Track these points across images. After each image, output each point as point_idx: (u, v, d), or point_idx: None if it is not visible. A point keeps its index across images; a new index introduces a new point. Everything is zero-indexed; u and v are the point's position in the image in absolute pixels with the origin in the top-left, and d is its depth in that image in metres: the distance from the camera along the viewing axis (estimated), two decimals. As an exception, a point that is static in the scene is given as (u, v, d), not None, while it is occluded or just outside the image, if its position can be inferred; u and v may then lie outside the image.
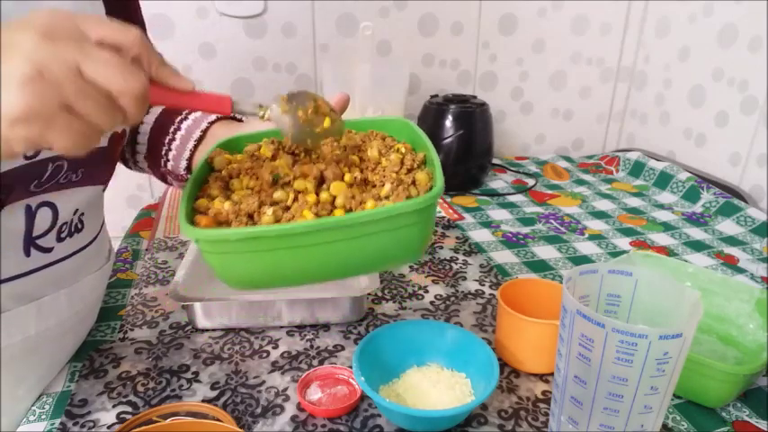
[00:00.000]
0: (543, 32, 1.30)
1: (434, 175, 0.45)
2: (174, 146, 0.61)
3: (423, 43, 1.25)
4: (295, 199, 0.43)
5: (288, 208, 0.43)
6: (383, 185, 0.45)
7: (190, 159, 0.60)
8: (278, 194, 0.43)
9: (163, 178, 0.65)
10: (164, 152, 0.61)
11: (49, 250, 0.50)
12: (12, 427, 0.54)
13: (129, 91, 0.32)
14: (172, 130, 0.61)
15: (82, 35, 0.32)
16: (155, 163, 0.63)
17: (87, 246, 0.55)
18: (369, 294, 0.66)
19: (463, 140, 1.07)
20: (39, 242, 0.48)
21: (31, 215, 0.47)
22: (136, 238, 0.89)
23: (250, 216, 0.42)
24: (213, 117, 0.60)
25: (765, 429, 0.53)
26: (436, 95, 1.13)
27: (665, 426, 0.53)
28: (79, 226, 0.53)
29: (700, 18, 1.16)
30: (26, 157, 0.43)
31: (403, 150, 0.50)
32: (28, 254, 0.48)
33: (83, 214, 0.53)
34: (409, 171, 0.47)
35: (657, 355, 0.39)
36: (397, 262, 0.46)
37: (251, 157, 0.49)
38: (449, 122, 1.06)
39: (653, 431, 0.43)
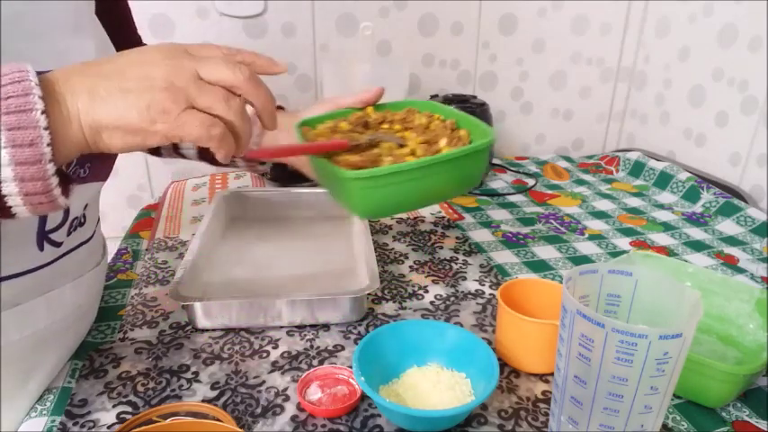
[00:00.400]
0: (543, 32, 1.30)
1: (479, 126, 0.61)
2: None
3: (423, 43, 1.25)
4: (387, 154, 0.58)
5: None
6: (437, 142, 0.60)
7: (257, 142, 0.70)
8: (380, 149, 0.59)
9: (213, 161, 0.73)
10: None
11: (59, 244, 0.52)
12: (18, 422, 0.54)
13: (241, 80, 0.40)
14: None
15: (192, 54, 0.40)
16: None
17: (88, 240, 0.58)
18: (369, 294, 0.66)
19: (463, 140, 1.07)
20: (51, 236, 0.50)
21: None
22: (136, 238, 0.89)
23: (374, 162, 0.56)
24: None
25: (765, 429, 0.53)
26: (436, 95, 1.13)
27: (665, 426, 0.53)
28: (82, 220, 0.56)
29: (700, 18, 1.16)
30: None
31: (440, 117, 0.66)
32: (41, 248, 0.50)
33: (85, 209, 0.56)
34: (452, 130, 0.63)
35: (657, 355, 0.39)
36: (469, 187, 0.61)
37: (332, 131, 0.63)
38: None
39: (653, 431, 0.43)
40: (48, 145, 0.35)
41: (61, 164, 0.37)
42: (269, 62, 0.45)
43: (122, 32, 0.71)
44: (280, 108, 0.72)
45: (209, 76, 0.40)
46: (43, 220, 0.49)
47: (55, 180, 0.36)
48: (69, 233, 0.53)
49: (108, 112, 0.37)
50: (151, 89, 0.37)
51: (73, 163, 0.49)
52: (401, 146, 0.60)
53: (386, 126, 0.66)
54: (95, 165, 0.52)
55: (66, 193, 0.38)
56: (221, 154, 0.41)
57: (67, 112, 0.37)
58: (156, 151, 0.77)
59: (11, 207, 0.36)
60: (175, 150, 0.75)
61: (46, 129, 0.35)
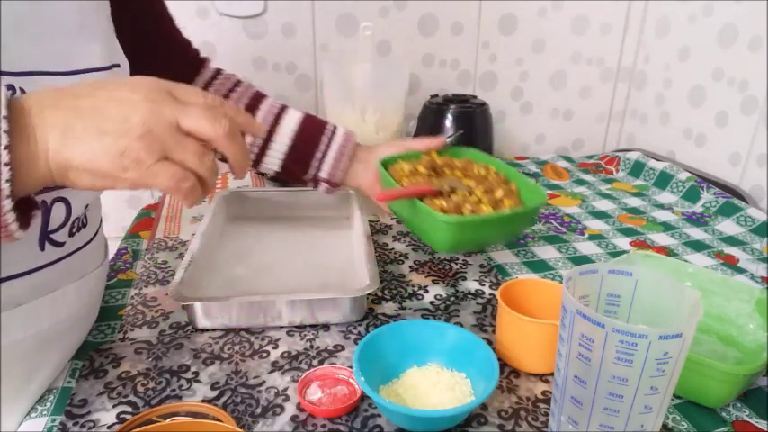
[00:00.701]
0: (543, 32, 1.30)
1: (526, 182, 0.76)
2: (328, 159, 0.79)
3: (423, 43, 1.25)
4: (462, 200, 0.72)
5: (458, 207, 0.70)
6: (493, 192, 0.73)
7: (345, 171, 0.80)
8: (457, 197, 0.72)
9: (294, 179, 0.81)
10: (316, 162, 0.79)
11: (61, 245, 0.52)
12: (18, 422, 0.54)
13: (219, 135, 0.39)
14: (323, 145, 0.79)
15: (176, 98, 0.39)
16: (300, 169, 0.80)
17: (91, 240, 0.58)
18: (369, 294, 0.66)
19: (463, 140, 1.06)
20: (53, 237, 0.51)
21: (47, 210, 0.48)
22: (136, 238, 0.89)
23: (457, 209, 0.69)
24: (356, 140, 0.81)
25: (765, 429, 0.53)
26: (436, 95, 1.13)
27: (665, 426, 0.53)
28: (84, 221, 0.56)
29: (700, 18, 1.16)
30: None
31: (494, 169, 0.79)
32: (42, 248, 0.50)
33: (87, 210, 0.56)
34: (505, 183, 0.76)
35: (657, 355, 0.39)
36: (518, 234, 0.77)
37: (412, 173, 0.76)
38: (449, 122, 1.07)
39: (653, 431, 0.43)
40: (7, 181, 0.34)
41: (21, 196, 0.36)
42: (248, 121, 0.43)
43: (156, 30, 0.74)
44: (284, 107, 0.79)
45: (188, 126, 0.38)
46: (46, 220, 0.49)
47: (12, 216, 0.35)
48: (72, 234, 0.53)
49: (80, 153, 0.36)
50: (127, 134, 0.36)
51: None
52: (470, 193, 0.73)
53: (448, 171, 0.79)
54: None
55: (25, 224, 0.37)
56: (187, 203, 0.40)
57: (35, 147, 0.36)
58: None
59: None
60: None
61: (7, 164, 0.34)
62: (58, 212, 0.50)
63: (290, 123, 0.79)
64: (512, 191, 0.74)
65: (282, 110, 0.79)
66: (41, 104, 0.36)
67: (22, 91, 0.44)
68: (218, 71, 0.80)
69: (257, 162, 0.80)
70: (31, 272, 0.49)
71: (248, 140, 0.76)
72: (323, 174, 0.80)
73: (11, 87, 0.43)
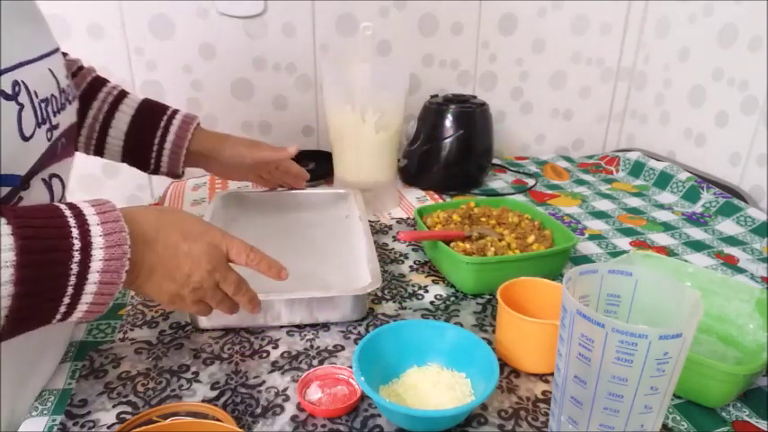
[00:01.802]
0: (543, 32, 1.30)
1: (562, 228, 0.80)
2: (164, 157, 0.78)
3: (423, 43, 1.25)
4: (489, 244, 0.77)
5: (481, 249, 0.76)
6: (524, 237, 0.79)
7: (187, 162, 0.80)
8: (482, 242, 0.77)
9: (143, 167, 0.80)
10: (153, 160, 0.78)
11: None
12: (24, 413, 0.54)
13: (241, 296, 0.56)
14: (159, 136, 0.77)
15: (225, 264, 0.55)
16: (142, 165, 0.79)
17: None
18: (369, 294, 0.66)
19: (463, 140, 1.07)
20: None
21: (48, 186, 0.54)
22: (136, 238, 0.89)
23: (480, 251, 0.75)
24: (193, 128, 0.79)
25: (765, 429, 0.53)
26: (436, 95, 1.13)
27: (665, 426, 0.53)
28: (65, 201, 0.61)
29: (700, 18, 1.16)
30: (48, 139, 0.51)
31: (528, 217, 0.86)
32: None
33: (64, 189, 0.60)
34: (539, 230, 0.82)
35: (657, 355, 0.39)
36: (556, 270, 0.77)
37: (446, 221, 0.84)
38: (449, 122, 1.06)
39: (653, 431, 0.43)
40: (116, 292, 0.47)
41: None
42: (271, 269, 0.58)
43: None
44: (118, 101, 0.76)
45: (225, 288, 0.55)
46: (51, 194, 0.54)
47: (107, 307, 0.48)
48: None
49: (150, 289, 0.51)
50: (186, 285, 0.52)
51: (63, 143, 0.55)
52: (500, 239, 0.78)
53: (484, 219, 0.85)
54: (69, 142, 0.57)
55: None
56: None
57: (129, 278, 0.48)
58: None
59: (72, 313, 0.46)
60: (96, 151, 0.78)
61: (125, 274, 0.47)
62: (56, 186, 0.55)
63: (126, 112, 0.76)
64: (544, 236, 0.79)
65: (119, 99, 0.75)
66: (144, 241, 0.49)
67: (24, 84, 0.46)
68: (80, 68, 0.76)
69: (99, 152, 0.77)
70: None
71: (86, 132, 0.74)
72: (163, 169, 0.79)
73: (16, 84, 0.46)
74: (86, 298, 0.45)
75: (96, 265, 0.44)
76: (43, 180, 0.53)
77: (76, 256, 0.43)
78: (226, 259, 0.54)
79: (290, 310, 0.64)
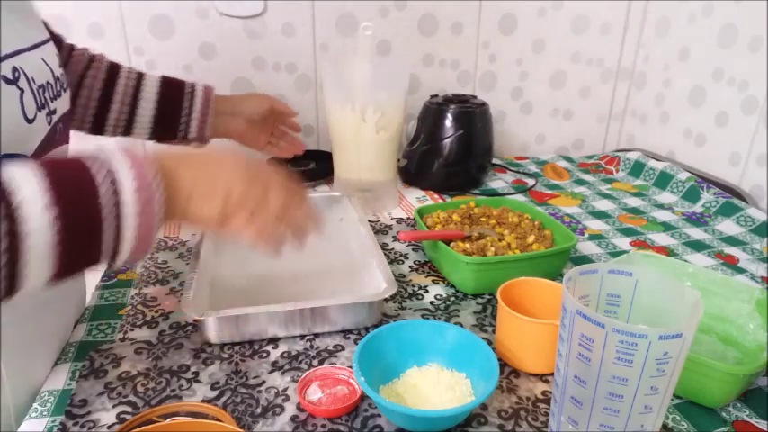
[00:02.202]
0: (543, 32, 1.30)
1: (562, 229, 0.79)
2: (193, 120, 0.81)
3: (423, 43, 1.25)
4: (489, 243, 0.77)
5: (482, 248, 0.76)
6: (525, 238, 0.78)
7: (211, 126, 0.83)
8: (482, 242, 0.77)
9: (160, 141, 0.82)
10: (183, 126, 0.81)
11: None
12: (48, 369, 0.59)
13: (289, 213, 0.54)
14: (186, 108, 0.81)
15: (267, 173, 0.53)
16: (169, 134, 0.82)
17: None
18: (386, 299, 0.65)
19: (463, 140, 1.07)
20: None
21: None
22: (136, 238, 0.89)
23: (480, 250, 0.75)
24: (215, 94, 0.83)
25: (765, 429, 0.53)
26: (436, 95, 1.13)
27: (665, 426, 0.53)
28: None
29: (700, 18, 1.16)
30: (48, 123, 0.53)
31: (528, 217, 0.85)
32: None
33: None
34: (539, 230, 0.81)
35: (657, 355, 0.39)
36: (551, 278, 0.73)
37: (446, 221, 0.83)
38: (449, 122, 1.06)
39: (653, 431, 0.43)
40: (159, 218, 0.46)
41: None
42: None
43: None
44: (141, 76, 0.80)
45: (273, 200, 0.53)
46: None
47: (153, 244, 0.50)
48: None
49: (195, 209, 0.49)
50: (227, 202, 0.50)
51: (61, 128, 0.56)
52: (500, 239, 0.78)
53: (484, 219, 0.85)
54: (65, 128, 0.59)
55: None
56: (271, 248, 0.54)
57: (172, 204, 0.47)
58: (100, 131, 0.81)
59: (118, 255, 0.45)
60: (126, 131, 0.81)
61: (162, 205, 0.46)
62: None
63: (151, 91, 0.80)
64: (545, 236, 0.79)
65: (140, 80, 0.79)
66: (178, 165, 0.48)
67: (22, 70, 0.48)
68: (72, 47, 0.78)
69: (127, 132, 0.80)
70: None
71: (114, 115, 0.77)
72: (192, 134, 0.82)
73: (15, 70, 0.47)
74: (129, 224, 0.44)
75: (128, 184, 0.43)
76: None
77: (106, 187, 0.43)
78: (258, 173, 0.52)
79: (308, 319, 0.63)
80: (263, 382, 0.57)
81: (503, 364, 0.60)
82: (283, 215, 0.53)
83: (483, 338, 0.58)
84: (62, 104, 0.56)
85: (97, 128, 0.78)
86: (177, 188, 0.48)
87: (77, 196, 0.42)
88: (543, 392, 0.56)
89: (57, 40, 0.82)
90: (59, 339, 0.63)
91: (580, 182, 1.19)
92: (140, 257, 0.48)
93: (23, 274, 0.40)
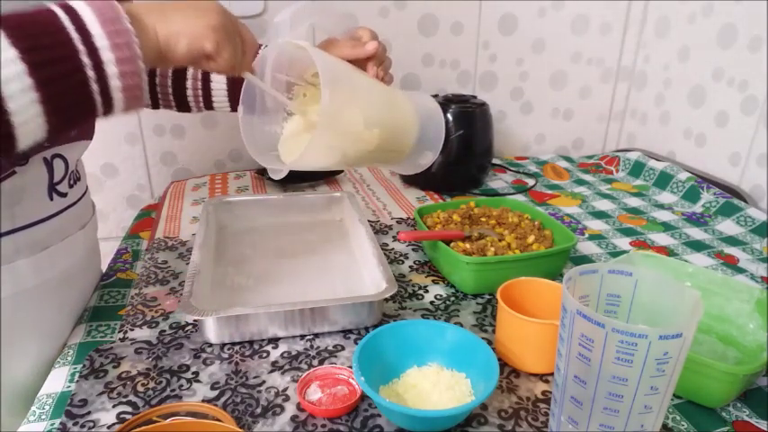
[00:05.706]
0: (543, 32, 1.30)
1: (562, 228, 0.79)
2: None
3: (423, 43, 1.25)
4: (489, 243, 0.77)
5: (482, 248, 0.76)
6: (525, 238, 0.78)
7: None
8: (482, 242, 0.77)
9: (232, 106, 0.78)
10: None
11: (65, 195, 0.61)
12: (58, 348, 0.63)
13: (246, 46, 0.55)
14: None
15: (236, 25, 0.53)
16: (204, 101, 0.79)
17: (84, 194, 0.68)
18: (386, 299, 0.65)
19: (463, 140, 1.07)
20: (58, 188, 0.60)
21: (49, 165, 0.58)
22: (136, 239, 0.89)
23: (480, 251, 0.75)
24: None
25: (765, 429, 0.53)
26: (436, 95, 1.13)
27: (665, 426, 0.53)
28: (78, 175, 0.65)
29: (699, 18, 1.16)
30: None
31: (528, 217, 0.85)
32: (51, 198, 0.59)
33: (77, 165, 0.65)
34: (539, 230, 0.81)
35: (657, 355, 0.39)
36: (556, 270, 0.76)
37: (446, 221, 0.83)
38: (449, 122, 1.06)
39: (653, 431, 0.43)
40: (138, 47, 0.44)
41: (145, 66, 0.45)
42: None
43: None
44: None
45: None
46: (51, 173, 0.58)
47: (145, 76, 0.45)
48: (71, 185, 0.63)
49: (177, 21, 0.48)
50: (208, 21, 0.49)
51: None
52: (500, 239, 0.78)
53: (484, 219, 0.85)
54: (83, 126, 0.61)
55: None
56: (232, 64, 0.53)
57: (143, 24, 0.46)
58: (186, 107, 0.79)
59: (113, 99, 0.44)
60: (206, 104, 0.79)
61: (136, 36, 0.43)
62: (58, 167, 0.59)
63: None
64: (545, 236, 0.79)
65: None
66: (138, 8, 0.46)
67: None
68: None
69: (208, 105, 0.78)
70: (45, 220, 0.59)
71: (190, 92, 0.77)
72: (215, 104, 0.79)
73: None
74: (108, 59, 0.42)
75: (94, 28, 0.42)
76: (44, 159, 0.56)
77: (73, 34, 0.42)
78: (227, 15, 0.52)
79: (308, 318, 0.63)
80: (263, 382, 0.57)
81: (503, 364, 0.60)
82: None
83: (483, 338, 0.58)
84: None
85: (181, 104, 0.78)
86: (145, 16, 0.47)
87: (48, 41, 0.41)
88: (543, 392, 0.56)
89: None
90: (80, 308, 0.69)
91: (580, 182, 1.19)
92: (137, 103, 0.46)
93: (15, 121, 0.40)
